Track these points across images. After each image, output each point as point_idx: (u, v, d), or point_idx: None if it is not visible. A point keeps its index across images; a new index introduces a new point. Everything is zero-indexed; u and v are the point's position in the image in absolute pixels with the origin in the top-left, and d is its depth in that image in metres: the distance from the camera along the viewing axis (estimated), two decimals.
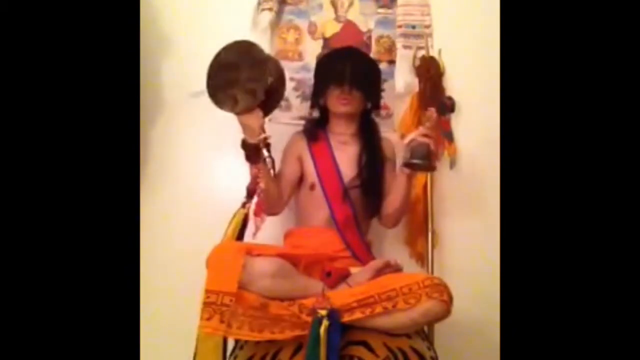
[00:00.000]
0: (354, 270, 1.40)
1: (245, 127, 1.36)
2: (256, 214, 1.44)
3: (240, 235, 1.43)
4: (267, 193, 1.44)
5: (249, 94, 1.33)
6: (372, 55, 1.85)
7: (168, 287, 1.72)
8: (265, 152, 1.40)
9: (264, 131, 1.37)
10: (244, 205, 1.45)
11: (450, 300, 1.24)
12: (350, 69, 1.49)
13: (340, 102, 1.52)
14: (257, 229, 1.44)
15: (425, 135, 1.37)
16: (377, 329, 1.24)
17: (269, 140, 1.40)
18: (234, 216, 1.43)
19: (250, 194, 1.45)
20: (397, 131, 1.79)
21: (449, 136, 1.79)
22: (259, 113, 1.36)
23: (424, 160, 1.36)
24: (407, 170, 1.43)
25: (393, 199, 1.52)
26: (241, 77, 1.34)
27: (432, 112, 1.41)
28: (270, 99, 1.38)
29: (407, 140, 1.40)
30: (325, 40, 1.88)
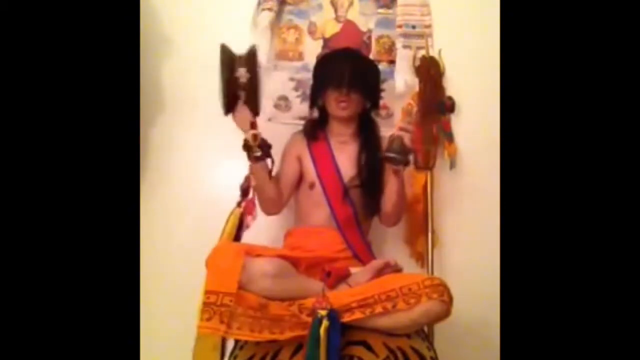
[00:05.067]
0: (354, 270, 1.39)
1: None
2: (247, 211, 1.45)
3: (237, 235, 1.44)
4: (262, 192, 1.45)
5: (222, 96, 1.37)
6: (372, 55, 1.85)
7: (168, 287, 1.72)
8: (258, 151, 1.40)
9: (253, 128, 1.38)
10: (239, 204, 1.45)
11: (450, 301, 1.24)
12: (348, 71, 1.49)
13: (339, 106, 1.52)
14: (247, 226, 1.45)
15: (401, 129, 1.39)
16: (377, 329, 1.24)
17: (262, 138, 1.41)
18: (230, 215, 1.43)
19: (244, 192, 1.46)
20: None
21: (449, 136, 1.79)
22: (243, 111, 1.37)
23: (397, 154, 1.37)
24: (387, 165, 1.44)
25: (388, 197, 1.52)
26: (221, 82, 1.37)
27: (412, 106, 1.42)
28: (248, 95, 1.39)
29: (387, 135, 1.41)
30: (325, 40, 1.88)
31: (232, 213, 1.44)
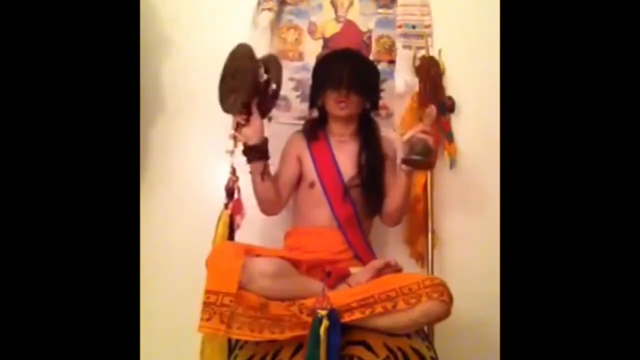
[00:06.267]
0: (354, 270, 1.40)
1: None
2: (235, 211, 1.45)
3: (230, 236, 1.44)
4: (257, 193, 1.46)
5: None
6: (372, 55, 1.85)
7: (168, 287, 1.72)
8: (233, 149, 1.42)
9: (235, 129, 1.40)
10: (226, 205, 1.45)
11: (450, 301, 1.24)
12: (347, 72, 1.48)
13: (338, 107, 1.52)
14: (238, 226, 1.45)
15: (424, 132, 1.37)
16: (377, 329, 1.24)
17: (264, 139, 1.42)
18: (220, 218, 1.44)
19: (229, 193, 1.46)
20: (398, 131, 1.79)
21: (449, 136, 1.79)
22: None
23: (422, 156, 1.36)
24: (405, 167, 1.42)
25: (393, 197, 1.52)
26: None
27: (432, 109, 1.41)
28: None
29: (406, 136, 1.39)
30: (325, 40, 1.88)
31: (220, 215, 1.44)
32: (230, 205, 1.45)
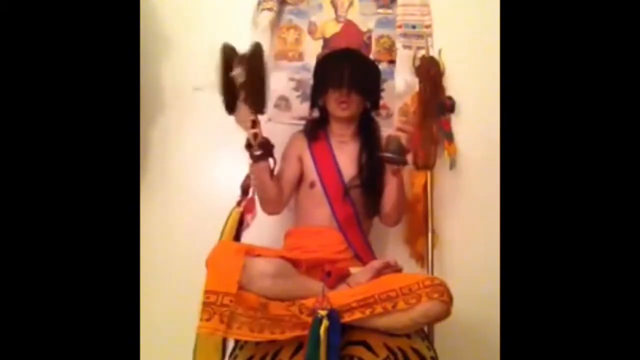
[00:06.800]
0: (354, 270, 1.39)
1: None
2: (247, 210, 1.45)
3: (237, 234, 1.44)
4: (262, 192, 1.46)
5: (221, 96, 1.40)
6: (372, 55, 1.85)
7: (168, 287, 1.72)
8: (258, 150, 1.41)
9: (254, 127, 1.39)
10: (239, 203, 1.45)
11: (450, 301, 1.24)
12: (348, 72, 1.49)
13: (339, 107, 1.53)
14: (247, 225, 1.45)
15: (398, 129, 1.41)
16: (377, 329, 1.24)
17: (265, 137, 1.42)
18: (230, 215, 1.43)
19: (244, 191, 1.46)
20: None
21: (449, 136, 1.79)
22: (242, 110, 1.39)
23: (394, 154, 1.40)
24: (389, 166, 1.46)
25: (387, 197, 1.53)
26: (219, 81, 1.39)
27: (408, 106, 1.43)
28: (248, 94, 1.40)
29: (385, 134, 1.43)
30: (325, 40, 1.88)
31: (231, 212, 1.44)
32: (243, 204, 1.45)
